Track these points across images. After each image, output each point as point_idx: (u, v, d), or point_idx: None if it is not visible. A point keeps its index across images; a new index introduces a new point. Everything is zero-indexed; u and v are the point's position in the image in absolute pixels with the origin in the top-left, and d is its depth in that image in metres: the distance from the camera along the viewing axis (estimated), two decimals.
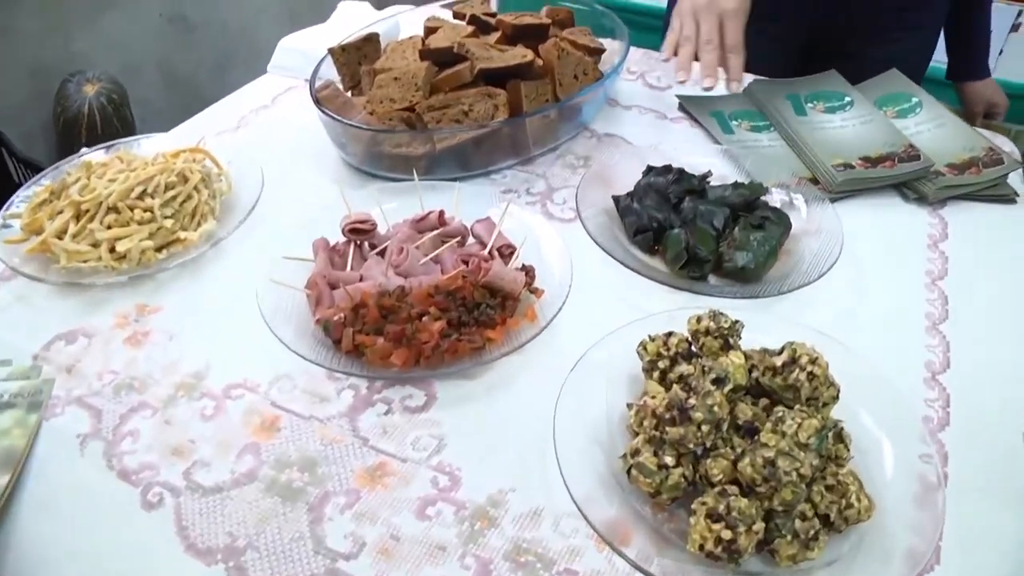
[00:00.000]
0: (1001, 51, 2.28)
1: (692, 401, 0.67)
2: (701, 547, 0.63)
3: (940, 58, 1.85)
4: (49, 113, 2.08)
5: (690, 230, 0.97)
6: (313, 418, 0.79)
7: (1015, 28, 2.24)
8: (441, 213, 0.95)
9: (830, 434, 0.70)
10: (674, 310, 0.85)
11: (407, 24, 1.44)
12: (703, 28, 1.20)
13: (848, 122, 1.26)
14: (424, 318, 0.81)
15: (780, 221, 1.00)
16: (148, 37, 2.39)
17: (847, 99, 1.31)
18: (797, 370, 0.72)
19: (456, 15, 1.37)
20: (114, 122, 2.04)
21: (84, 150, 1.20)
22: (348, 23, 1.49)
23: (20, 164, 1.87)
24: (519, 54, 1.13)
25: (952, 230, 1.10)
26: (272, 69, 1.44)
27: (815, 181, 1.15)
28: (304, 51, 1.40)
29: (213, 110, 1.32)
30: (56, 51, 2.11)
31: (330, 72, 1.26)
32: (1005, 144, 1.31)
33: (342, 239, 0.94)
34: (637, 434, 0.71)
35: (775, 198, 1.08)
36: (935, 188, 1.14)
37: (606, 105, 1.32)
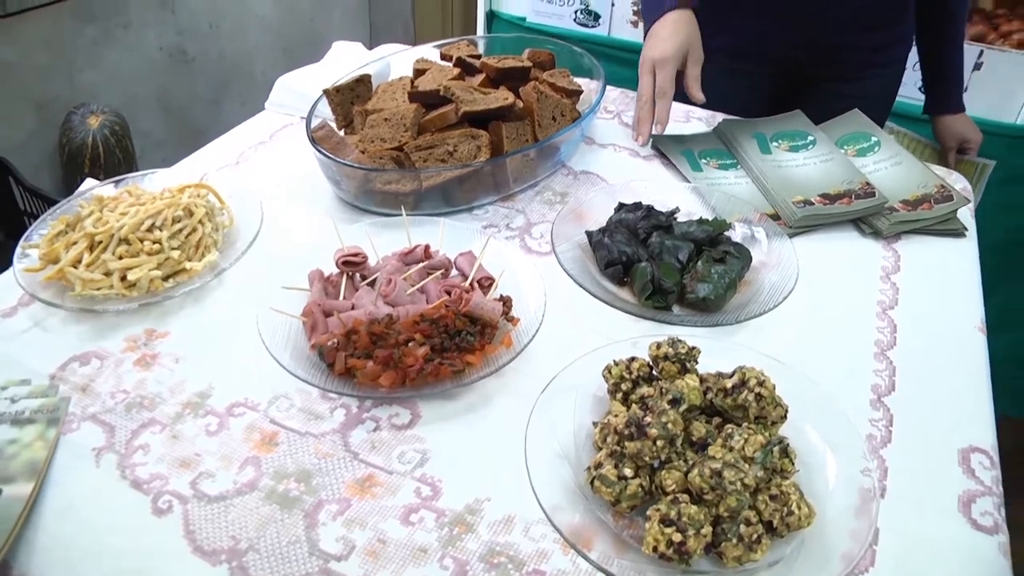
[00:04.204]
0: (966, 89, 2.38)
1: (648, 419, 0.75)
2: (655, 549, 0.71)
3: (914, 95, 1.94)
4: (55, 144, 2.15)
5: (656, 263, 1.05)
6: (308, 434, 0.87)
7: (977, 67, 2.34)
8: (427, 247, 1.03)
9: (775, 449, 0.77)
10: (639, 337, 0.92)
11: (397, 65, 1.52)
12: (641, 84, 1.40)
13: (810, 160, 1.34)
14: (410, 344, 0.89)
15: (741, 255, 1.08)
16: (149, 70, 2.47)
17: (810, 138, 1.39)
18: (746, 391, 0.80)
19: (443, 56, 1.45)
20: (116, 153, 2.11)
21: (89, 181, 1.28)
22: (342, 62, 1.58)
23: (27, 193, 1.94)
24: (501, 97, 1.21)
25: (904, 262, 1.18)
26: (270, 106, 1.52)
27: (777, 216, 1.23)
28: (300, 89, 1.48)
29: (214, 146, 1.40)
30: (62, 85, 2.19)
31: (325, 111, 1.34)
32: (958, 182, 1.39)
33: (335, 270, 1.02)
34: (601, 449, 0.79)
35: (738, 232, 1.16)
36: (889, 223, 1.22)
37: (583, 143, 1.41)
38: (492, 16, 2.85)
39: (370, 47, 3.34)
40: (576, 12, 2.68)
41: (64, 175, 2.16)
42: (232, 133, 1.44)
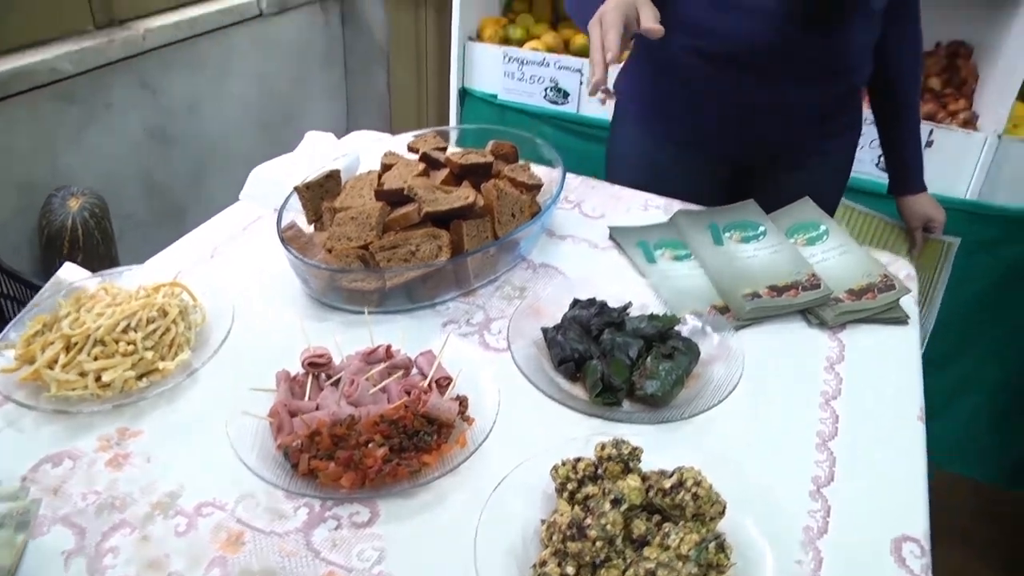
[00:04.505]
0: None
1: (589, 521, 0.80)
2: None
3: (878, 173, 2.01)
4: (34, 226, 2.20)
5: (607, 361, 1.10)
6: (273, 533, 0.90)
7: (929, 144, 2.44)
8: (388, 347, 1.09)
9: (711, 545, 0.82)
10: (589, 435, 0.97)
11: (367, 156, 1.58)
12: (590, 37, 1.34)
13: (760, 251, 1.40)
14: (370, 444, 0.93)
15: (689, 351, 1.13)
16: (129, 151, 2.53)
17: (761, 229, 1.46)
18: (683, 492, 0.85)
19: (410, 149, 1.52)
20: (95, 235, 2.16)
21: (68, 266, 1.32)
22: (314, 153, 1.64)
23: (4, 275, 1.98)
24: (462, 196, 1.27)
25: (848, 352, 1.23)
26: (244, 197, 1.57)
27: (727, 308, 1.29)
28: (274, 180, 1.54)
29: (190, 238, 1.45)
30: (43, 167, 2.24)
31: (296, 204, 1.40)
32: (902, 269, 1.46)
33: (302, 371, 1.07)
34: (547, 546, 0.84)
35: (689, 325, 1.21)
36: (834, 314, 1.27)
37: (544, 235, 1.47)
38: (464, 93, 2.94)
39: (347, 122, 3.42)
40: (546, 90, 2.78)
41: (43, 256, 2.20)
42: (207, 225, 1.49)
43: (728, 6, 1.52)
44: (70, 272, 1.29)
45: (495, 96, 2.87)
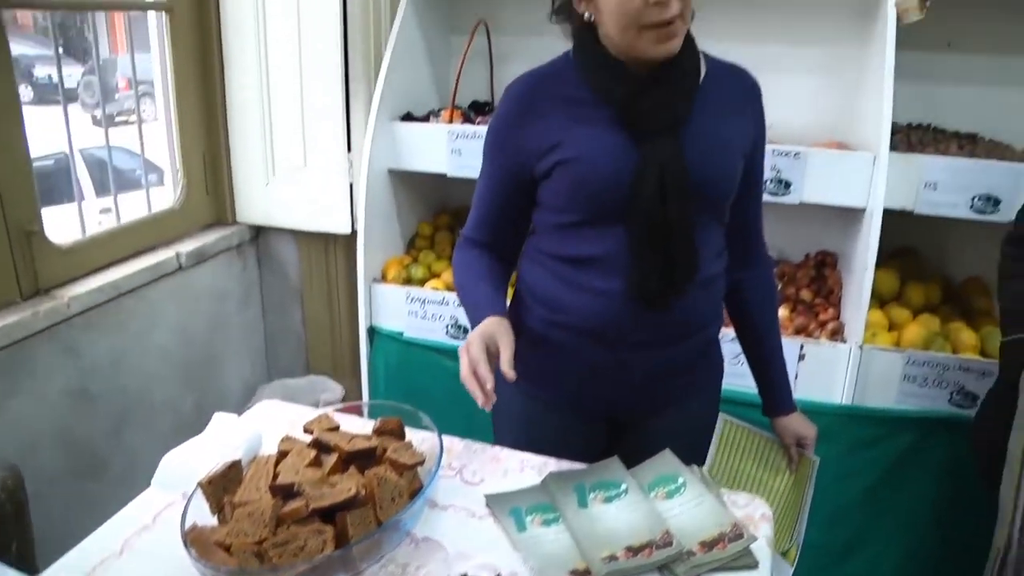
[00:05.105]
0: (796, 375, 2.72)
1: None
2: None
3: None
4: None
5: None
6: None
7: (802, 358, 2.68)
8: None
9: None
10: None
11: (270, 431, 1.74)
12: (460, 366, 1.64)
13: (621, 511, 1.55)
14: None
15: None
16: (50, 413, 2.61)
17: (623, 487, 1.61)
18: None
19: (306, 430, 1.68)
20: (7, 506, 2.22)
21: None
22: (220, 435, 1.79)
23: None
24: (345, 488, 1.41)
25: None
26: (155, 484, 1.70)
27: (588, 571, 1.44)
28: (184, 464, 1.68)
29: (101, 533, 1.54)
30: None
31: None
32: (759, 508, 1.62)
33: None
34: None
35: None
36: (686, 568, 1.41)
37: (427, 506, 1.61)
38: (373, 331, 3.13)
39: (266, 359, 3.56)
40: (447, 326, 2.98)
41: None
42: (118, 517, 1.58)
43: (577, 287, 1.74)
44: None
45: (401, 334, 3.07)
